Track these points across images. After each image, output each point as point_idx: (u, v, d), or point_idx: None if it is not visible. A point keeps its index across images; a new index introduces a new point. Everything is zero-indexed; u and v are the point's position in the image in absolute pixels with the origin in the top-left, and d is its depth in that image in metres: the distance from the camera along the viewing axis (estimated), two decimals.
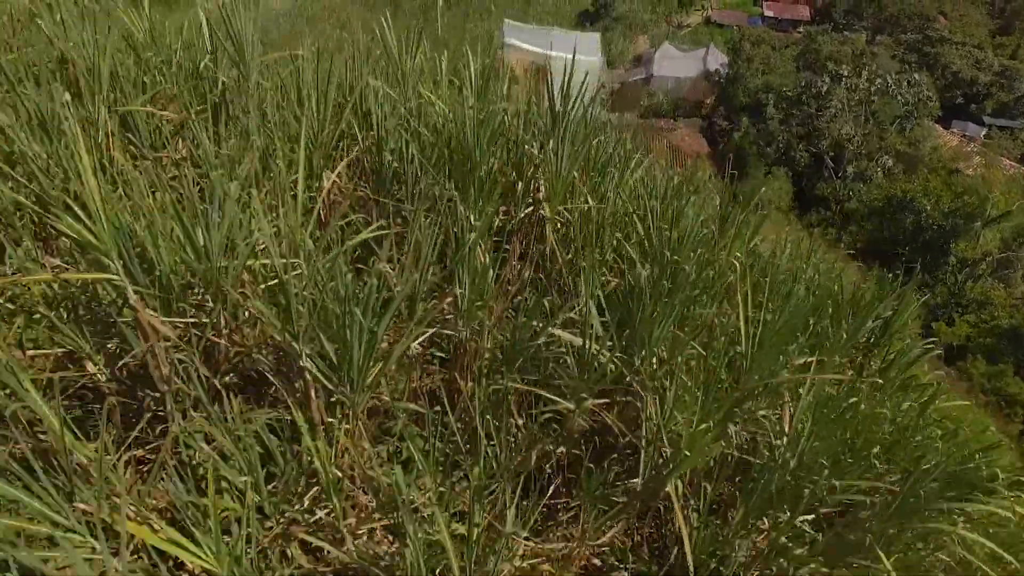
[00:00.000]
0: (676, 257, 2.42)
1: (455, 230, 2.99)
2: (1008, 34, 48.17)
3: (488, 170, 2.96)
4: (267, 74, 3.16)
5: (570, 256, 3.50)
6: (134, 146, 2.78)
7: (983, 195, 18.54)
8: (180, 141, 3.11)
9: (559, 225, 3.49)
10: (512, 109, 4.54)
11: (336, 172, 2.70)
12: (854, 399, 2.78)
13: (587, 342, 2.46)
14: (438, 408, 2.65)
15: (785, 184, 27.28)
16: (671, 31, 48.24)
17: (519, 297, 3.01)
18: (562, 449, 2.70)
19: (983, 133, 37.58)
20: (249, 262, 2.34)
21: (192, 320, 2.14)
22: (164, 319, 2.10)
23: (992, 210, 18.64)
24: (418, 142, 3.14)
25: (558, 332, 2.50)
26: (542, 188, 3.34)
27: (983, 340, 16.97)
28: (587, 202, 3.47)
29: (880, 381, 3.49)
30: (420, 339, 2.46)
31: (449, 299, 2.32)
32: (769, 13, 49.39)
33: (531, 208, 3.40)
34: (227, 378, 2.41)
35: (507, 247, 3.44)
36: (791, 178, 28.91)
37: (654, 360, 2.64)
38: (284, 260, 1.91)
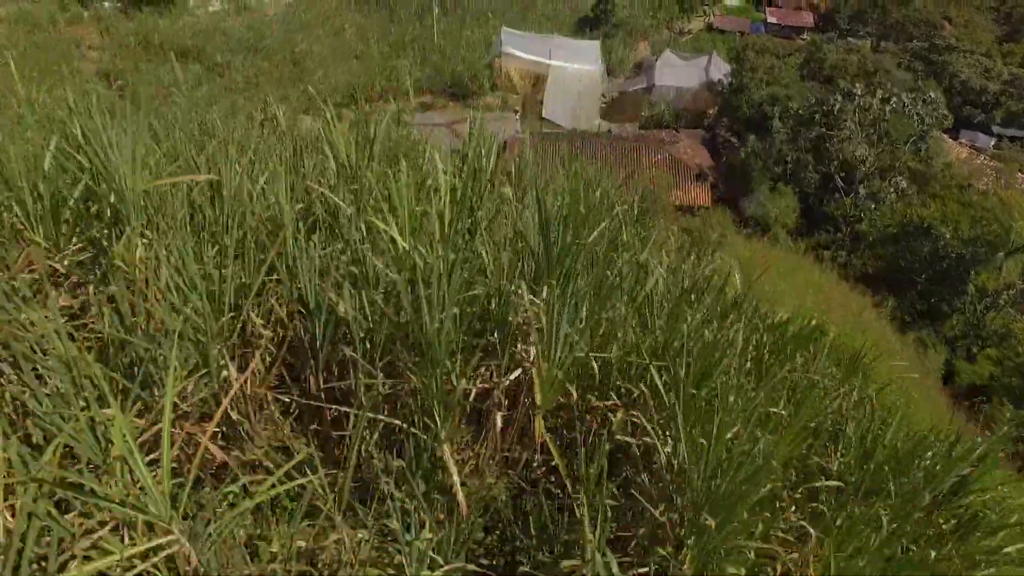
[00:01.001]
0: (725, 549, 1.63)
1: (411, 430, 2.20)
2: (1015, 41, 47.37)
3: (455, 359, 2.16)
4: (159, 207, 2.35)
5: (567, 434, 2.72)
6: None
7: (1006, 224, 17.51)
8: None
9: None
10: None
11: (243, 378, 1.90)
12: None
13: None
14: None
15: (791, 201, 26.39)
16: (673, 38, 47.40)
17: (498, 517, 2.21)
18: None
19: (992, 143, 36.77)
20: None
21: None
22: None
23: (1016, 238, 17.67)
24: (365, 295, 2.35)
25: None
26: (532, 350, 2.55)
27: (1008, 380, 15.90)
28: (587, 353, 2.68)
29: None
30: None
31: None
32: (772, 19, 48.53)
33: (519, 372, 2.61)
34: None
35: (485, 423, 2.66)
36: (797, 193, 28.09)
37: None
38: None
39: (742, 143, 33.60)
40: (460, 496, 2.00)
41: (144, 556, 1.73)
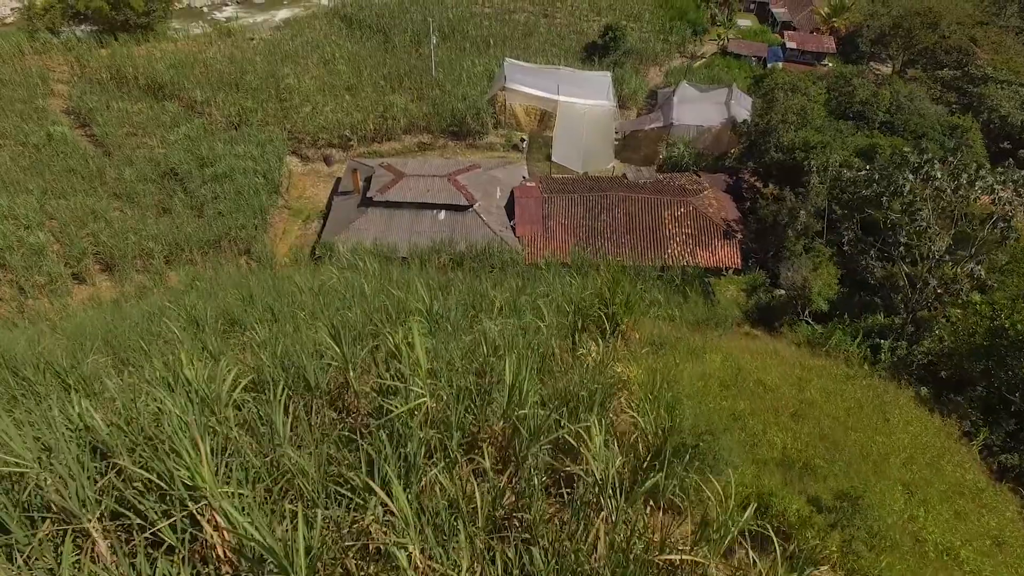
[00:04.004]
0: None
1: None
2: None
3: None
4: None
5: None
6: None
7: None
8: None
9: None
10: None
11: None
12: None
13: None
14: None
15: (831, 268, 23.37)
16: (687, 65, 44.36)
17: None
18: None
19: None
20: None
21: None
22: None
23: None
24: None
25: None
26: None
27: None
28: None
29: None
30: None
31: None
32: (791, 45, 45.40)
33: None
34: None
35: None
36: (832, 248, 25.12)
37: None
38: None
39: (767, 183, 30.67)
40: None
41: None
